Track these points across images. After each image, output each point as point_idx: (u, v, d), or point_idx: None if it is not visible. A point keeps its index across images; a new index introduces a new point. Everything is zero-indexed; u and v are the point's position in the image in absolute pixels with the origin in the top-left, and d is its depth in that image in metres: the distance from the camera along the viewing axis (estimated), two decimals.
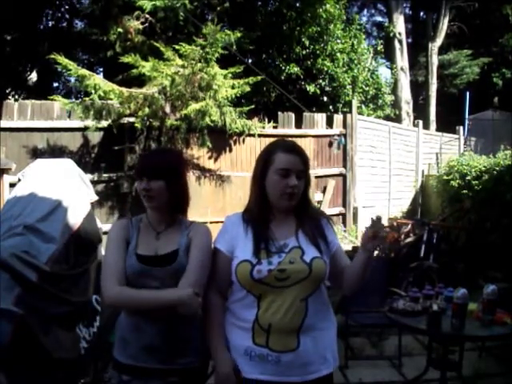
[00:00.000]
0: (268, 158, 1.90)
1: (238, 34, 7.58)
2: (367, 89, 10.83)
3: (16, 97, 11.71)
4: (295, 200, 1.88)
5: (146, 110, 6.71)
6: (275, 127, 8.46)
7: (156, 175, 1.91)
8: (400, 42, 13.91)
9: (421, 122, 11.85)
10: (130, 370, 1.90)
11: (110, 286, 1.85)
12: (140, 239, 1.97)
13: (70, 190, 3.30)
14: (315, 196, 8.54)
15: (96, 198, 3.66)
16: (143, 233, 1.99)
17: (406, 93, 13.88)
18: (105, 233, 3.39)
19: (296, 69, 9.69)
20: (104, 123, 6.85)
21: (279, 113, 8.68)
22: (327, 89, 10.17)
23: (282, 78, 9.78)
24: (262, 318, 1.81)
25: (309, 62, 10.02)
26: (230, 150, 8.11)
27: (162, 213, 1.98)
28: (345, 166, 9.19)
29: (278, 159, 1.87)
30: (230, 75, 7.16)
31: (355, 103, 9.52)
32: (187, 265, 1.89)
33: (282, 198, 1.87)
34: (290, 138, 2.20)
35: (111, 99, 6.71)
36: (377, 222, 1.85)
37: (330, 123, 9.10)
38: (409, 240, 6.69)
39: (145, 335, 1.88)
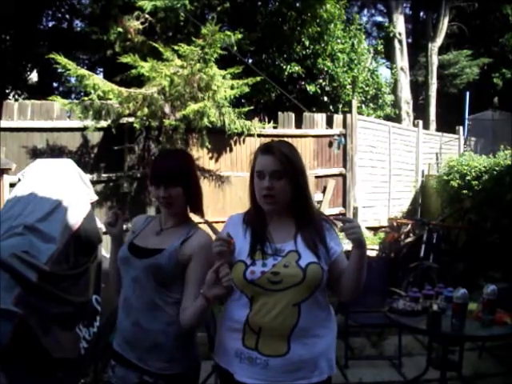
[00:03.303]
0: (253, 161, 1.91)
1: (239, 35, 7.58)
2: (367, 89, 10.83)
3: (16, 97, 11.71)
4: (275, 202, 1.84)
5: (145, 110, 6.71)
6: (275, 127, 8.46)
7: (173, 182, 1.91)
8: (400, 42, 13.92)
9: (421, 122, 11.86)
10: (116, 356, 2.00)
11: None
12: (143, 232, 2.03)
13: (70, 190, 3.30)
14: (315, 196, 8.54)
15: (96, 198, 3.66)
16: (149, 227, 2.05)
17: (406, 93, 13.89)
18: (105, 233, 3.39)
19: (297, 67, 9.69)
20: (103, 123, 6.84)
21: (279, 113, 8.68)
22: (327, 89, 10.17)
23: (283, 77, 9.78)
24: (252, 320, 1.80)
25: (309, 62, 10.01)
26: (230, 151, 8.11)
27: (175, 214, 2.01)
28: (345, 166, 9.19)
29: (257, 162, 1.88)
30: (229, 76, 7.16)
31: (355, 103, 9.52)
32: (186, 285, 1.89)
33: (261, 201, 1.86)
34: (289, 138, 2.20)
35: (110, 99, 6.71)
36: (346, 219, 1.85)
37: (329, 123, 9.10)
38: (409, 240, 6.69)
39: (122, 328, 1.97)
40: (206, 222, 1.94)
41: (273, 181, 1.82)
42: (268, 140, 2.15)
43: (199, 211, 2.05)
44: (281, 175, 1.82)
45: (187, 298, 1.89)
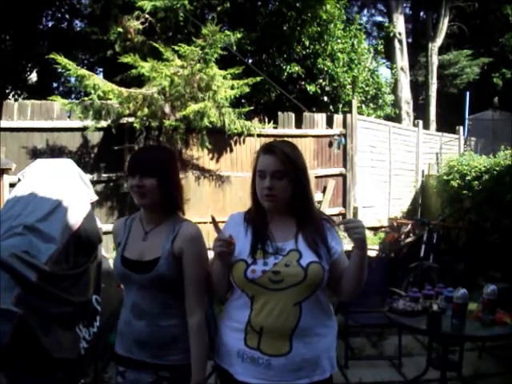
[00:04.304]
0: (255, 160, 1.92)
1: (239, 35, 7.58)
2: (367, 89, 10.83)
3: (16, 97, 11.71)
4: (276, 202, 1.85)
5: (146, 110, 6.71)
6: (275, 127, 8.46)
7: (149, 172, 1.90)
8: (400, 41, 13.92)
9: (421, 122, 11.85)
10: (124, 361, 1.98)
11: None
12: (129, 239, 2.00)
13: (70, 190, 3.30)
14: (315, 196, 8.53)
15: (96, 198, 3.65)
16: (133, 232, 2.01)
17: (406, 93, 13.89)
18: (105, 233, 3.39)
19: (297, 68, 9.70)
20: (103, 123, 6.85)
21: (279, 113, 8.68)
22: (327, 89, 10.17)
23: (283, 77, 9.78)
24: (254, 320, 1.80)
25: (309, 62, 10.02)
26: (230, 151, 8.11)
27: (153, 211, 1.97)
28: (345, 166, 9.19)
29: (258, 161, 1.89)
30: (229, 76, 7.16)
31: (355, 103, 9.52)
32: (185, 282, 1.91)
33: (262, 200, 1.87)
34: (289, 138, 2.20)
35: (110, 99, 6.72)
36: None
37: (329, 123, 9.10)
38: (409, 240, 6.68)
39: (134, 330, 1.93)
40: (213, 220, 1.93)
41: (274, 181, 1.82)
42: (268, 140, 2.16)
43: (179, 209, 2.02)
44: (282, 175, 1.83)
45: (189, 296, 1.91)
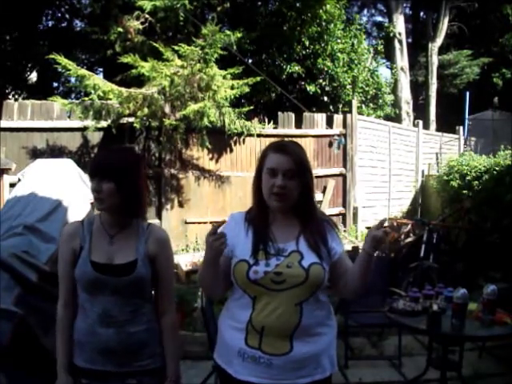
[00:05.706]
0: (262, 158, 1.90)
1: (239, 35, 7.58)
2: (367, 89, 10.83)
3: (16, 97, 11.71)
4: (285, 201, 1.84)
5: (146, 110, 6.71)
6: (275, 127, 8.46)
7: (106, 176, 1.82)
8: (400, 42, 13.92)
9: (421, 122, 11.85)
10: (87, 373, 1.89)
11: (58, 309, 1.94)
12: (93, 243, 1.90)
13: (70, 190, 3.31)
14: (315, 196, 8.53)
15: None
16: (96, 236, 1.92)
17: (406, 93, 13.89)
18: None
19: (297, 67, 9.70)
20: (103, 123, 6.85)
21: (279, 113, 8.68)
22: (327, 89, 10.17)
23: (283, 77, 9.79)
24: (255, 320, 1.80)
25: (309, 62, 10.02)
26: (230, 151, 8.11)
27: (114, 215, 1.91)
28: (345, 166, 9.19)
29: (268, 159, 1.87)
30: (229, 76, 7.16)
31: (355, 103, 9.52)
32: (160, 283, 1.94)
33: (271, 198, 1.85)
34: (289, 138, 2.19)
35: (110, 99, 6.72)
36: (381, 223, 1.85)
37: (329, 123, 9.10)
38: (409, 240, 6.69)
39: (100, 339, 1.86)
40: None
41: (285, 180, 1.82)
42: (268, 140, 2.16)
43: (137, 214, 1.96)
44: (293, 175, 1.83)
45: (164, 297, 1.96)
